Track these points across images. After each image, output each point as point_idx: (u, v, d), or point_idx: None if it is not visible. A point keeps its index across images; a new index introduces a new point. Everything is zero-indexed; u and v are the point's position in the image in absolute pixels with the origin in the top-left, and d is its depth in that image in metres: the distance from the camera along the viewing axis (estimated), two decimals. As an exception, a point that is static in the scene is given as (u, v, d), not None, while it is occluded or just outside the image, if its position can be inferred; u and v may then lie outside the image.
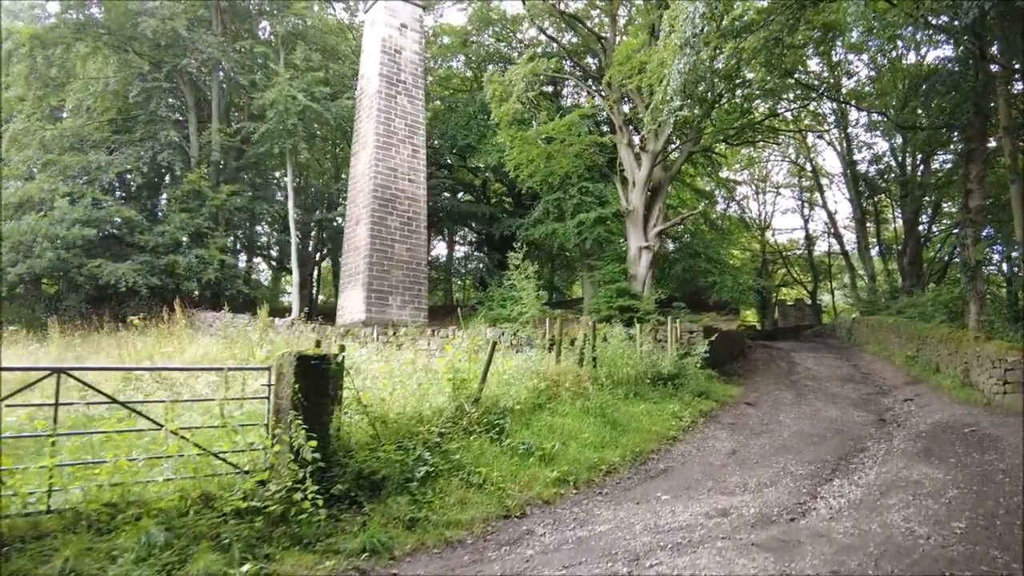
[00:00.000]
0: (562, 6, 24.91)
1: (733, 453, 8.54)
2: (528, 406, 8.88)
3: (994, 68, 15.75)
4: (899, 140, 28.77)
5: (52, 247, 20.26)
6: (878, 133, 30.95)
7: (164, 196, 26.11)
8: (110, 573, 4.44)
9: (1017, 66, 14.72)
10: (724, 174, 38.43)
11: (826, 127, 33.06)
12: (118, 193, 26.41)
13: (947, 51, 21.48)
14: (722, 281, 24.78)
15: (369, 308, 20.47)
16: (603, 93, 22.83)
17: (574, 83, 30.07)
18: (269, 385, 6.49)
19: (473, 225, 35.06)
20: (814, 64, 26.81)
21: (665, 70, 12.18)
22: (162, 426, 5.78)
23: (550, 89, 32.04)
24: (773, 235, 45.50)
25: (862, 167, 32.84)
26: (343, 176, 29.35)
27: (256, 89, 24.60)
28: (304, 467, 5.80)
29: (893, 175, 31.28)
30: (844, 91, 27.61)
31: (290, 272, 39.45)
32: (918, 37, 26.12)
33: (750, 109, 24.32)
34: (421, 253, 22.46)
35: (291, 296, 43.56)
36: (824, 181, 38.75)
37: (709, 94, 19.29)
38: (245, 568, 4.75)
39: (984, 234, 17.20)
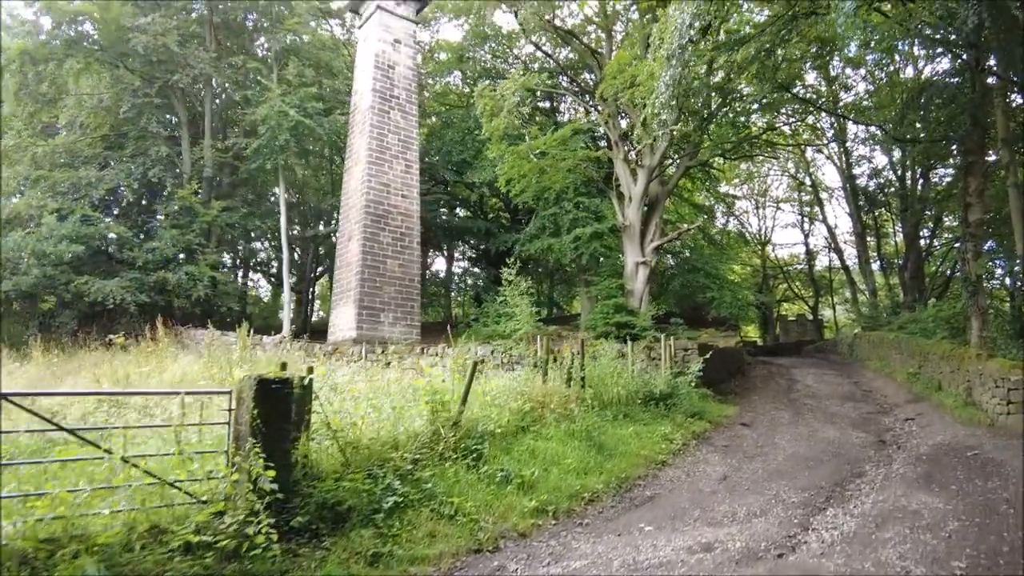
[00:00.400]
0: (557, 21, 24.82)
1: (724, 478, 8.15)
2: (511, 429, 8.52)
3: (991, 80, 15.51)
4: (898, 154, 28.56)
5: (39, 264, 20.01)
6: (877, 147, 30.77)
7: (160, 213, 25.88)
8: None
9: (1015, 78, 14.45)
10: (723, 189, 38.27)
11: (824, 141, 32.85)
12: (114, 210, 26.23)
13: (945, 64, 21.33)
14: (721, 297, 24.44)
15: (360, 325, 20.14)
16: (598, 108, 22.64)
17: (571, 99, 29.97)
18: (230, 410, 6.16)
19: (470, 241, 34.83)
20: (811, 78, 26.70)
21: (655, 82, 11.96)
22: (110, 453, 5.46)
23: (547, 105, 31.99)
24: (773, 250, 45.24)
25: (861, 181, 32.62)
26: (339, 192, 29.20)
27: (249, 105, 24.47)
28: (262, 498, 5.48)
29: (893, 189, 31.01)
30: (842, 105, 27.39)
31: (292, 289, 39.33)
32: (915, 51, 26.11)
33: (747, 123, 24.12)
34: (414, 269, 22.17)
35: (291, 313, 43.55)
36: (824, 195, 38.56)
37: (703, 108, 19.11)
38: (186, 611, 4.40)
39: (985, 248, 16.85)
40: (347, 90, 26.63)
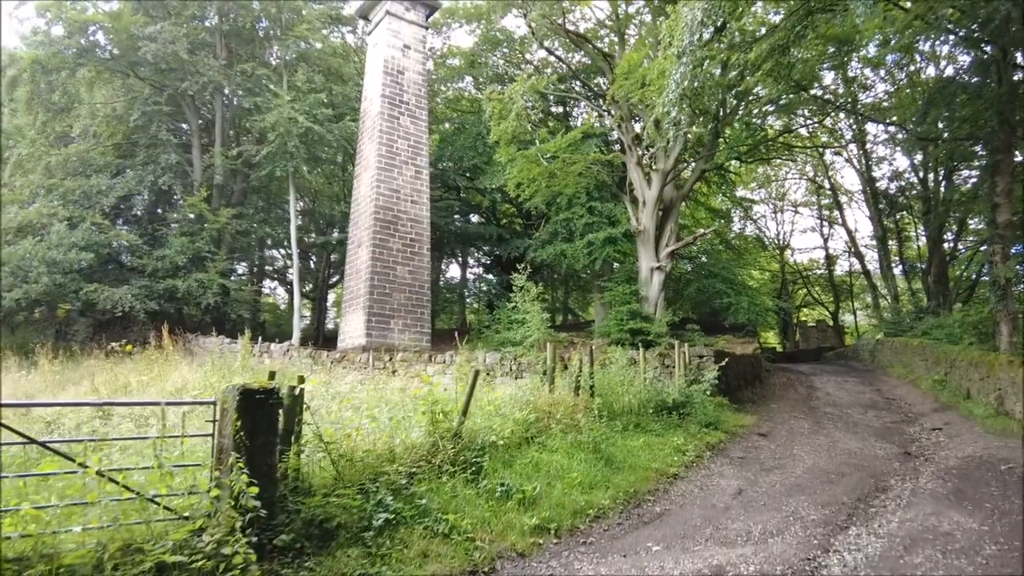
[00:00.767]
0: (569, 25, 24.52)
1: (739, 493, 7.71)
2: (514, 441, 8.15)
3: (1018, 76, 14.93)
4: (919, 156, 27.88)
5: (48, 272, 20.01)
6: (898, 149, 30.09)
7: (175, 220, 25.91)
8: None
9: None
10: (740, 193, 37.67)
11: (843, 143, 32.17)
12: (125, 218, 26.32)
13: (967, 60, 20.74)
14: (738, 303, 23.86)
15: (370, 332, 19.90)
16: (611, 112, 22.27)
17: (584, 104, 29.62)
18: (214, 421, 5.87)
19: (484, 247, 34.56)
20: (828, 80, 26.13)
21: (665, 80, 11.58)
22: (85, 467, 5.18)
23: (560, 111, 31.67)
24: (792, 255, 44.52)
25: (882, 184, 31.95)
26: (351, 199, 29.10)
27: (259, 112, 24.44)
28: (245, 515, 5.17)
29: (915, 192, 30.29)
30: (861, 106, 26.75)
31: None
32: (936, 49, 25.46)
33: (762, 125, 23.62)
34: (424, 276, 21.91)
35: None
36: (843, 199, 37.83)
37: (717, 108, 18.66)
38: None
39: (1014, 250, 16.18)
40: (358, 96, 26.53)
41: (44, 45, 22.33)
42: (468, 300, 39.47)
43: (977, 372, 13.40)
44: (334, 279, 36.36)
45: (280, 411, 5.92)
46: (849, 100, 26.43)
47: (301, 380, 6.54)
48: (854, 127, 30.65)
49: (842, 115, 29.83)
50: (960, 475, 8.05)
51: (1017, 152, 16.67)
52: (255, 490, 5.13)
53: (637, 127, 22.42)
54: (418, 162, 22.53)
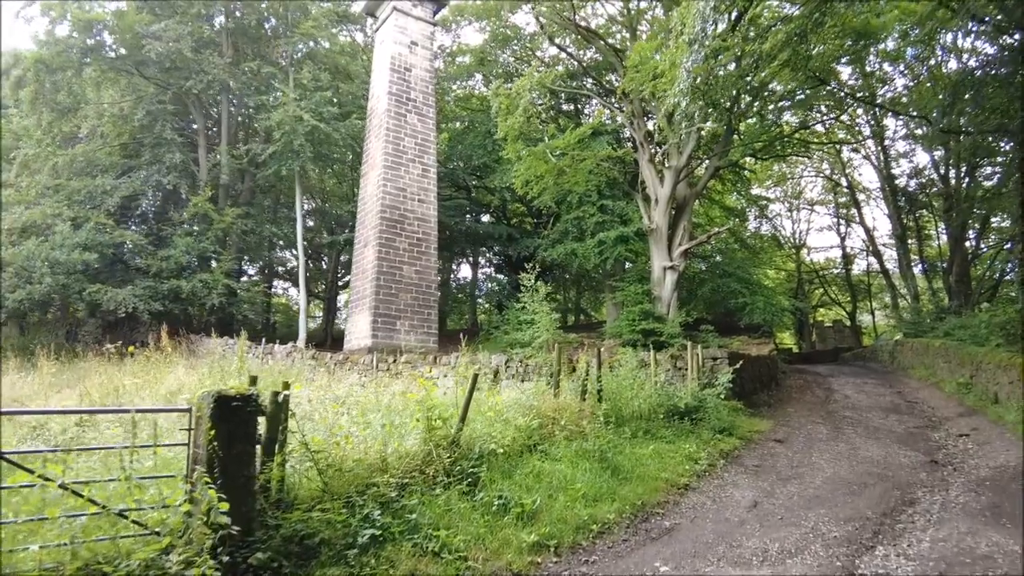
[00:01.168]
0: (579, 20, 24.03)
1: (754, 506, 7.22)
2: (515, 449, 7.71)
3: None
4: (940, 152, 27.13)
5: (51, 272, 19.84)
6: (917, 145, 29.31)
7: (180, 221, 25.73)
8: None
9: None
10: (755, 191, 36.99)
11: (861, 139, 31.39)
12: (131, 218, 26.19)
13: (991, 52, 20.04)
14: (753, 303, 23.25)
15: (375, 333, 19.54)
16: (623, 108, 21.76)
17: (596, 102, 29.12)
18: (189, 429, 5.49)
19: (494, 247, 34.15)
20: (846, 75, 25.46)
21: (676, 71, 11.09)
22: (47, 480, 4.81)
23: (571, 108, 31.18)
24: (808, 254, 43.70)
25: (901, 181, 31.19)
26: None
27: (265, 110, 24.16)
28: (217, 531, 4.78)
29: (935, 189, 29.50)
30: (879, 101, 26.03)
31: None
32: (958, 42, 24.70)
33: (778, 121, 23.01)
34: (431, 275, 21.52)
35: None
36: (861, 197, 36.98)
37: (731, 104, 18.11)
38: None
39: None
40: (365, 94, 26.24)
41: (49, 44, 22.20)
42: (479, 301, 39.11)
43: (1006, 375, 12.78)
44: (345, 279, 36.12)
45: (259, 419, 5.54)
46: (868, 94, 25.75)
47: (286, 385, 6.15)
48: (872, 123, 29.93)
49: (860, 111, 29.17)
50: (994, 487, 7.50)
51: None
52: (225, 506, 4.74)
53: (650, 124, 21.93)
54: (425, 160, 22.15)
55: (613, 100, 25.85)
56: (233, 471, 5.23)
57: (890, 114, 28.53)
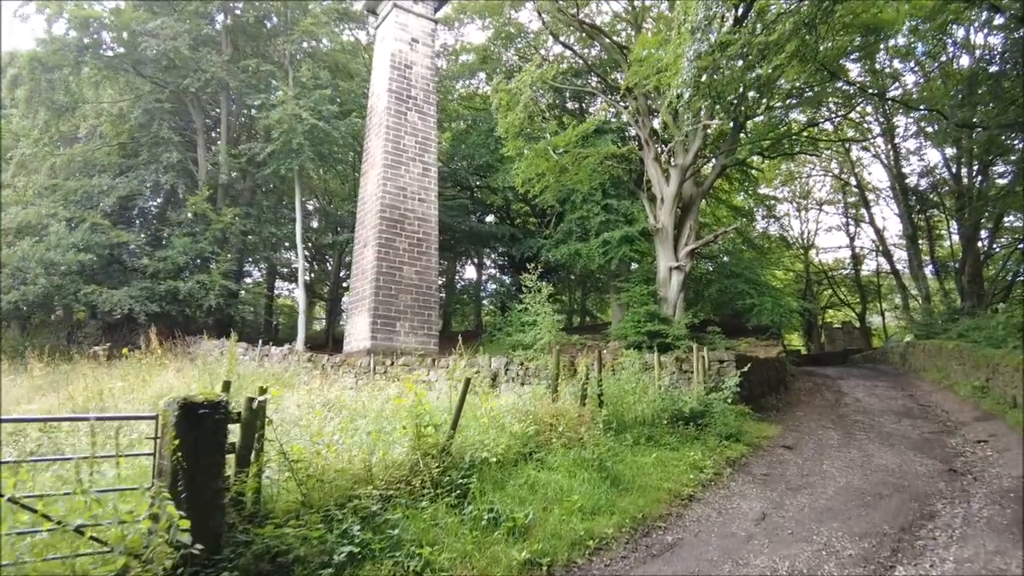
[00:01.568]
0: (583, 16, 23.63)
1: (762, 518, 6.79)
2: (509, 458, 7.30)
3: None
4: (952, 151, 26.60)
5: (46, 273, 19.56)
6: (928, 142, 28.76)
7: (178, 221, 25.47)
8: None
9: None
10: (762, 190, 36.49)
11: (870, 137, 30.85)
12: (131, 218, 25.94)
13: (1003, 47, 19.55)
14: (761, 304, 22.78)
15: (375, 335, 19.16)
16: (627, 106, 21.33)
17: (600, 100, 28.72)
18: (155, 438, 5.12)
19: (498, 248, 33.76)
20: (855, 72, 24.96)
21: (680, 64, 10.68)
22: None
23: (575, 107, 30.76)
24: (817, 254, 43.15)
25: (912, 180, 30.60)
26: (361, 198, 28.46)
27: (265, 109, 23.85)
28: (179, 550, 4.41)
29: (947, 188, 28.94)
30: (890, 97, 25.51)
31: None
32: (971, 37, 24.19)
33: (786, 118, 22.55)
34: (431, 276, 21.14)
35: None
36: (870, 196, 36.38)
37: (737, 101, 17.67)
38: None
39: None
40: (366, 92, 25.92)
41: (45, 43, 21.94)
42: (484, 302, 38.74)
43: (1025, 379, 12.29)
44: (348, 281, 35.78)
45: (229, 426, 5.17)
46: (877, 91, 25.25)
47: (262, 391, 5.79)
48: (882, 121, 29.39)
49: (869, 108, 28.65)
50: (1020, 500, 7.05)
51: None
52: (186, 523, 4.35)
53: (655, 123, 21.51)
54: (426, 159, 21.78)
55: (617, 97, 25.47)
56: (200, 483, 4.88)
57: (900, 112, 28.03)
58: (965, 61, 25.68)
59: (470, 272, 41.12)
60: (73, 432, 8.60)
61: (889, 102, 24.60)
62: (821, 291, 43.05)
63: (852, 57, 20.90)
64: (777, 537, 6.18)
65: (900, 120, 29.42)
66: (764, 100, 19.96)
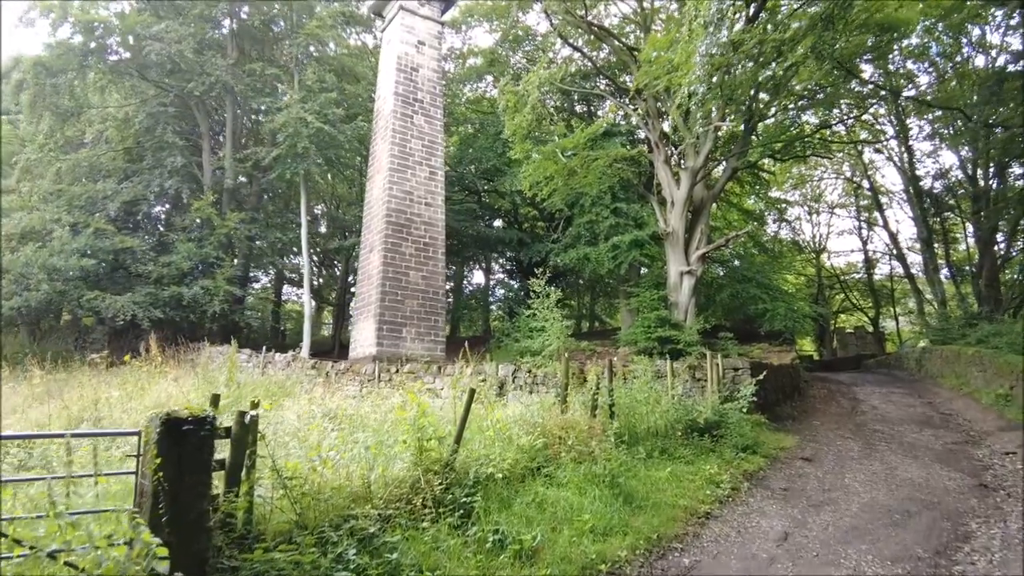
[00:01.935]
0: (591, 18, 23.32)
1: (785, 538, 6.40)
2: (516, 473, 6.94)
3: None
4: (968, 152, 26.10)
5: (48, 279, 19.39)
6: (944, 145, 28.27)
7: (183, 226, 25.32)
8: None
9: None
10: (774, 194, 36.02)
11: (884, 139, 30.37)
12: (136, 223, 25.80)
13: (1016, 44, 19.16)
14: (774, 308, 22.31)
15: (380, 341, 18.86)
16: (637, 108, 20.98)
17: (609, 102, 28.40)
18: (138, 456, 4.80)
19: (506, 252, 33.43)
20: (868, 74, 24.55)
21: (692, 62, 10.34)
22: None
23: (584, 110, 30.44)
24: (829, 258, 42.57)
25: (926, 183, 30.09)
26: (368, 202, 28.21)
27: (270, 113, 23.66)
28: (159, 578, 4.07)
29: (963, 191, 28.41)
30: (904, 99, 25.09)
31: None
32: (988, 36, 23.75)
33: (798, 119, 22.15)
34: (438, 281, 20.82)
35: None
36: (883, 199, 35.83)
37: (749, 102, 17.30)
38: None
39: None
40: (372, 96, 25.70)
41: (50, 48, 21.85)
42: (492, 307, 38.40)
43: (1053, 387, 11.83)
44: (355, 286, 35.54)
45: (215, 443, 4.84)
46: (890, 92, 24.80)
47: (254, 405, 5.48)
48: (896, 123, 28.91)
49: (882, 110, 28.21)
50: (1059, 519, 6.64)
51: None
52: (163, 551, 4.02)
53: (665, 125, 21.16)
54: (433, 163, 21.50)
55: (627, 100, 25.12)
56: (184, 504, 4.55)
57: (913, 113, 27.58)
58: (980, 61, 25.26)
59: (478, 277, 40.86)
60: (64, 445, 8.35)
61: (903, 103, 24.11)
62: (833, 295, 42.48)
63: (865, 58, 20.52)
64: (802, 560, 5.80)
65: (914, 122, 28.99)
66: (776, 101, 19.57)
